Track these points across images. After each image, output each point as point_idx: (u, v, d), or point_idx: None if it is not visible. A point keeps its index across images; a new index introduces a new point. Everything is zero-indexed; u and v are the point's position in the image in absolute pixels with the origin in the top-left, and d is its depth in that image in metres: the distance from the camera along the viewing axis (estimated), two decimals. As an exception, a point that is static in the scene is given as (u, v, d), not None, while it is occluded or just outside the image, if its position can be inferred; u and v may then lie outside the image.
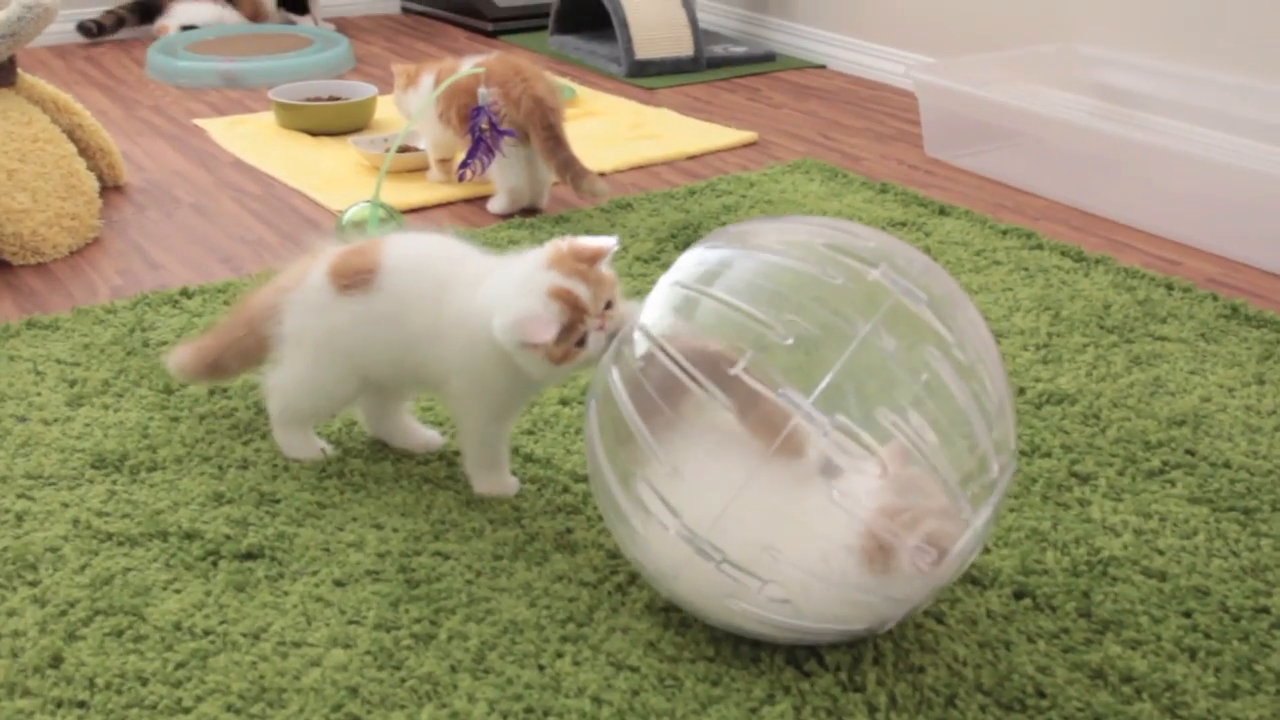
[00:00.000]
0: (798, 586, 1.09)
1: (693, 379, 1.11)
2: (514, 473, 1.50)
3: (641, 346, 1.16)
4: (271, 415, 1.52)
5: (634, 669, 1.18)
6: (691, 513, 1.10)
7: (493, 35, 4.00)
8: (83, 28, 3.79)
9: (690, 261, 1.20)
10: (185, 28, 3.81)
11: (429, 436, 1.56)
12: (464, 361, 1.36)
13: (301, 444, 1.52)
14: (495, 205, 2.37)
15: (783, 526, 1.09)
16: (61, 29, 3.79)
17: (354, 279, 1.39)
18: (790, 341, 1.08)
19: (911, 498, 1.08)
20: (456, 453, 1.54)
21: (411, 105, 2.46)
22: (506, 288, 1.30)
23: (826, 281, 1.12)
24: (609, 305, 1.28)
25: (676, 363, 1.12)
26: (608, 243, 1.29)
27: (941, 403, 1.09)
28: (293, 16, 3.98)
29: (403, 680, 1.16)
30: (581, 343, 1.27)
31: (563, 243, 1.30)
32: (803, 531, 1.09)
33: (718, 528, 1.09)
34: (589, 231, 2.25)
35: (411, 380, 1.44)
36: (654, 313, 1.18)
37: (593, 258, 1.28)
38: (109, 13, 3.83)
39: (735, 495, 1.08)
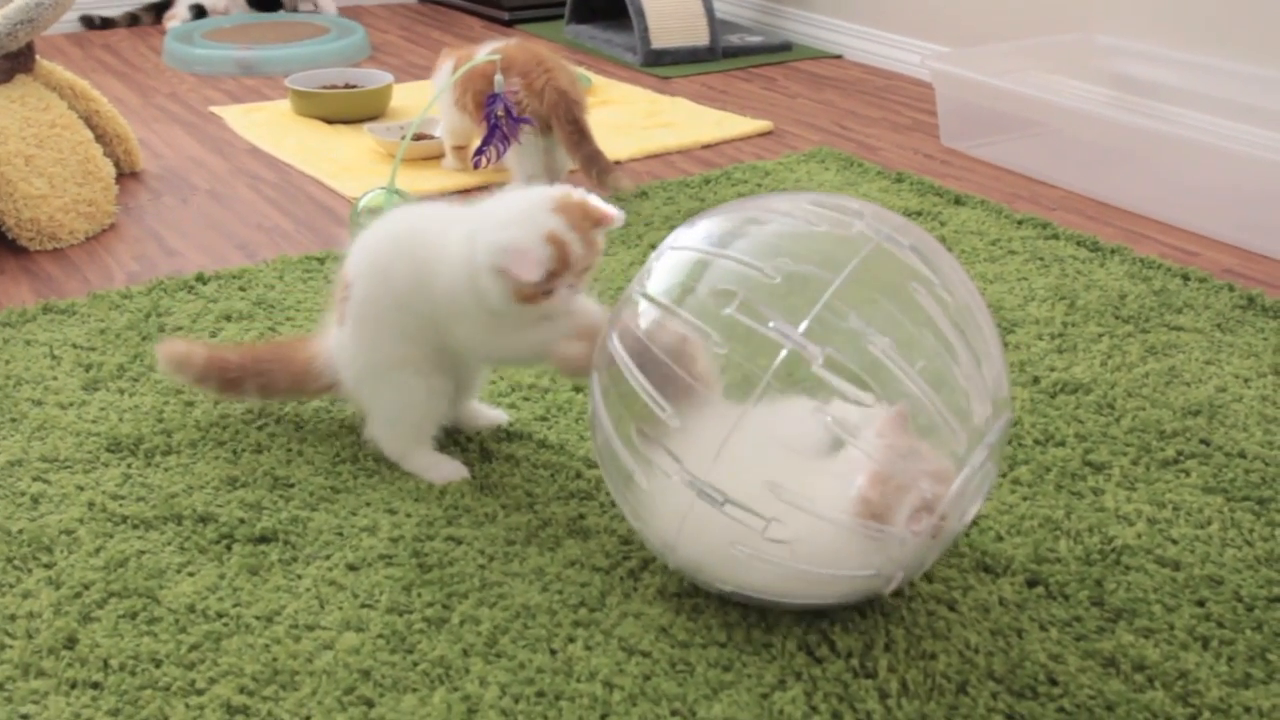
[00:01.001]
0: (799, 524, 1.10)
1: (695, 332, 1.13)
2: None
3: (647, 311, 1.18)
4: (392, 456, 1.49)
5: (646, 654, 1.18)
6: (693, 457, 1.11)
7: (509, 24, 4.00)
8: (86, 20, 3.82)
9: (685, 230, 1.23)
10: (194, 8, 3.82)
11: (496, 415, 1.58)
12: (455, 287, 1.34)
13: (436, 465, 1.47)
14: None
15: (783, 464, 1.10)
16: (79, 16, 3.81)
17: (342, 297, 1.43)
18: (778, 280, 1.09)
19: (906, 463, 1.08)
20: (470, 440, 1.54)
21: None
22: (507, 212, 1.31)
23: (810, 230, 1.13)
24: (586, 269, 1.31)
25: (681, 319, 1.14)
26: (616, 214, 1.31)
27: (931, 344, 1.10)
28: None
29: (415, 664, 1.16)
30: (549, 293, 1.29)
31: (575, 193, 1.31)
32: (802, 468, 1.09)
33: (718, 469, 1.09)
34: (603, 219, 2.25)
35: (437, 345, 1.41)
36: (657, 280, 1.19)
37: (599, 221, 1.30)
38: (126, 14, 3.86)
39: (732, 429, 1.08)
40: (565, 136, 2.26)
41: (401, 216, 1.43)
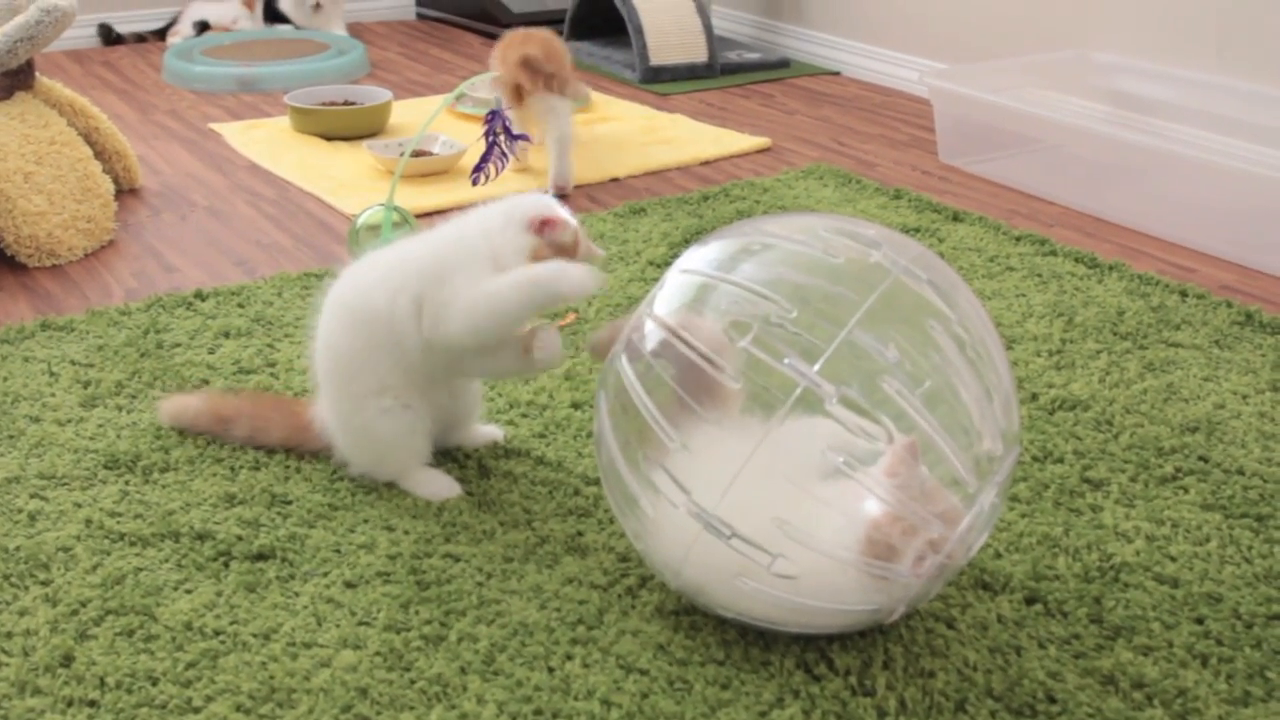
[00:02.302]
0: (805, 561, 1.09)
1: (704, 358, 1.12)
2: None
3: (654, 334, 1.17)
4: (386, 479, 1.49)
5: (644, 672, 1.18)
6: (701, 489, 1.11)
7: (508, 41, 4.00)
8: (105, 31, 3.84)
9: (697, 251, 1.23)
10: (199, 24, 3.83)
11: (491, 432, 1.58)
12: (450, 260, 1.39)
13: (430, 481, 1.47)
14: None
15: (791, 500, 1.09)
16: (79, 34, 3.82)
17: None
18: (794, 315, 1.09)
19: (914, 504, 1.08)
20: (468, 456, 1.54)
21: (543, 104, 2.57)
22: (537, 196, 1.41)
23: (828, 261, 1.13)
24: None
25: (690, 346, 1.13)
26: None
27: (945, 381, 1.09)
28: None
29: (412, 681, 1.16)
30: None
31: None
32: (811, 505, 1.09)
33: (726, 502, 1.09)
34: (601, 235, 2.26)
35: (404, 365, 1.42)
36: (666, 301, 1.19)
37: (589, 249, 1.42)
38: (134, 33, 3.89)
39: (742, 466, 1.08)
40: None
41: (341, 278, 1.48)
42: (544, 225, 1.35)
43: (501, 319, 1.36)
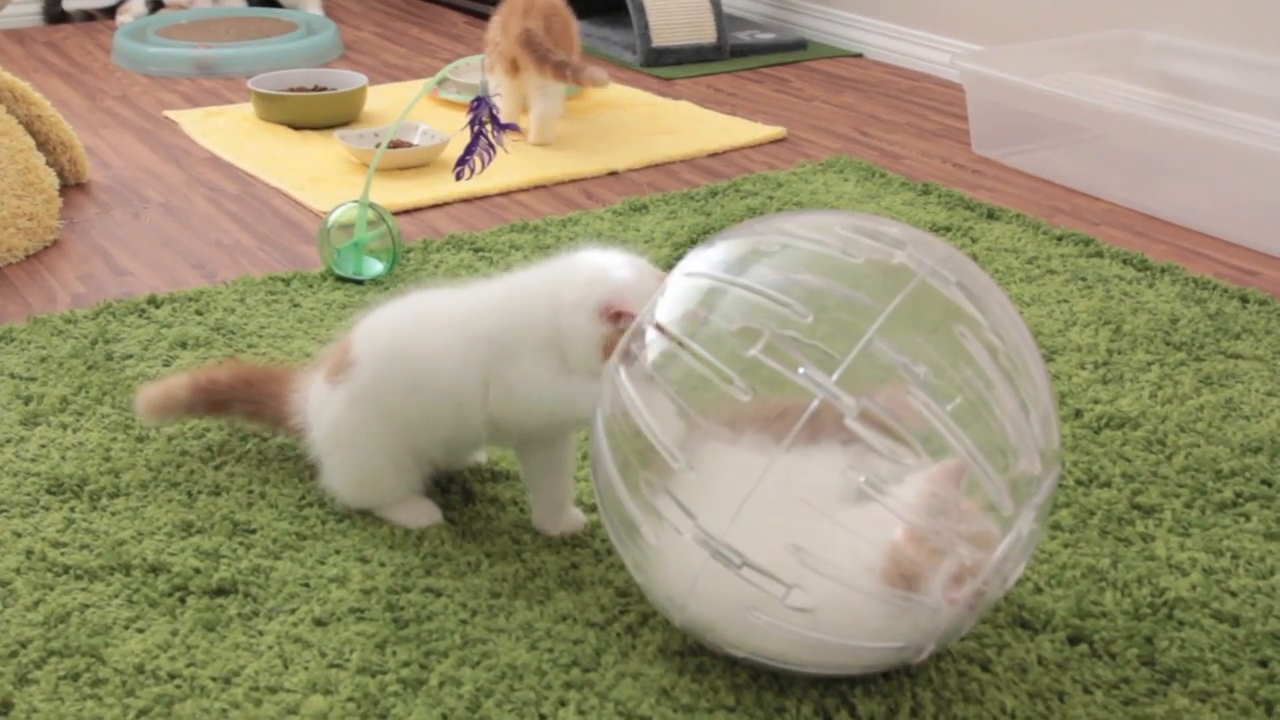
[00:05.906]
0: (823, 592, 1.09)
1: (713, 369, 1.13)
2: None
3: (657, 344, 1.18)
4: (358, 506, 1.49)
5: (645, 719, 1.18)
6: (708, 513, 1.11)
7: (495, 20, 4.02)
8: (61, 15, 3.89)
9: (702, 252, 1.23)
10: (151, 1, 3.84)
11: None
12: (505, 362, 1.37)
13: (407, 507, 1.48)
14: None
15: (807, 526, 1.09)
16: (20, 10, 3.83)
17: (338, 371, 1.44)
18: (810, 319, 1.09)
19: (943, 521, 1.08)
20: (451, 480, 1.54)
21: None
22: (597, 263, 1.37)
23: (846, 262, 1.14)
24: None
25: (696, 355, 1.14)
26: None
27: (977, 393, 1.10)
28: None
29: (388, 730, 1.16)
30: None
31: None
32: (829, 531, 1.09)
33: (736, 528, 1.09)
34: (598, 234, 2.26)
35: (460, 440, 1.45)
36: (669, 308, 1.19)
37: None
38: (80, 10, 3.91)
39: (752, 490, 1.08)
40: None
41: (417, 299, 1.47)
42: (619, 317, 1.31)
43: (562, 428, 1.41)
